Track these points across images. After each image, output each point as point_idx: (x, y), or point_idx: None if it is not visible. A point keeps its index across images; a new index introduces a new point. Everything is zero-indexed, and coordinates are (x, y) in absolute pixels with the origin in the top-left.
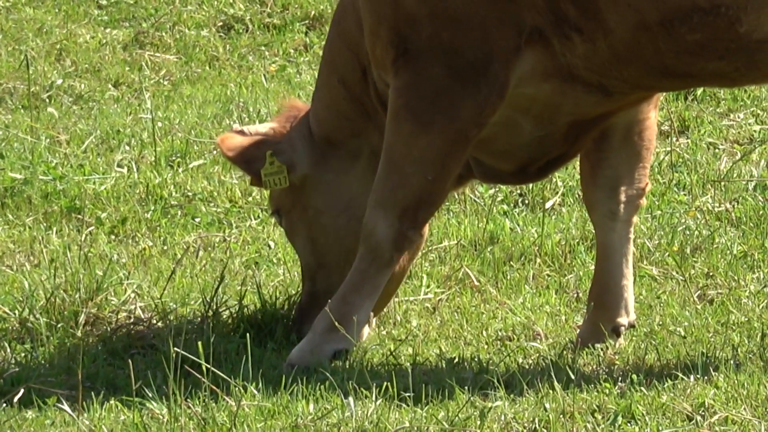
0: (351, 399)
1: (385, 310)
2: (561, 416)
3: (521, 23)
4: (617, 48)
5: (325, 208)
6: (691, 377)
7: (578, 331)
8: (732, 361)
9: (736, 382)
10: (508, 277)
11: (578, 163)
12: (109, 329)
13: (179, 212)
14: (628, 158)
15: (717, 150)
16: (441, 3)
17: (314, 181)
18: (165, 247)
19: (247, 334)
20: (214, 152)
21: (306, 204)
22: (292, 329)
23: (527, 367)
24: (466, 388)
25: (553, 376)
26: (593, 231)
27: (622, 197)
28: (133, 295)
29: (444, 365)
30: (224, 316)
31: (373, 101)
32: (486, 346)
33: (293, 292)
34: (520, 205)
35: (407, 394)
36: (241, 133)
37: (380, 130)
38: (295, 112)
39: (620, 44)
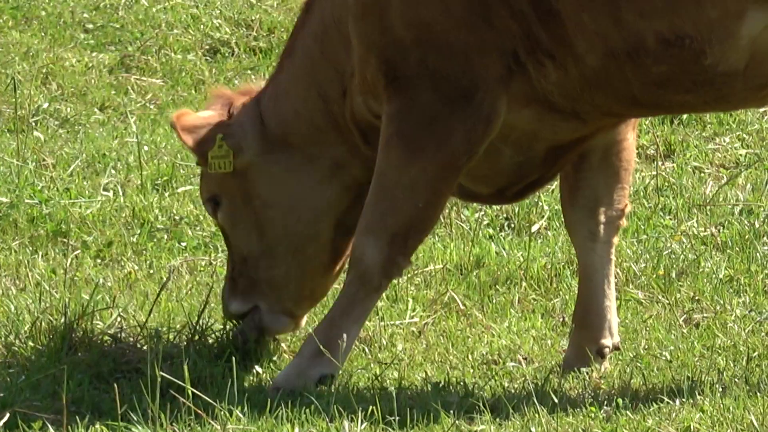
0: (346, 423)
1: (371, 333)
2: None
3: (504, 50)
4: (587, 75)
5: (271, 201)
6: (677, 401)
7: (564, 355)
8: (718, 385)
9: (721, 406)
10: (494, 301)
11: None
12: (94, 353)
13: (165, 236)
14: (607, 179)
15: (703, 174)
16: (425, 29)
17: (260, 171)
18: (151, 271)
19: (233, 358)
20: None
21: (252, 192)
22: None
23: (513, 390)
24: (452, 411)
25: (539, 401)
26: None
27: (602, 218)
28: (118, 319)
29: (430, 389)
30: (210, 340)
31: (347, 121)
32: (472, 370)
33: None
34: (506, 228)
35: (393, 418)
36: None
37: (348, 146)
38: (228, 100)
39: (590, 72)
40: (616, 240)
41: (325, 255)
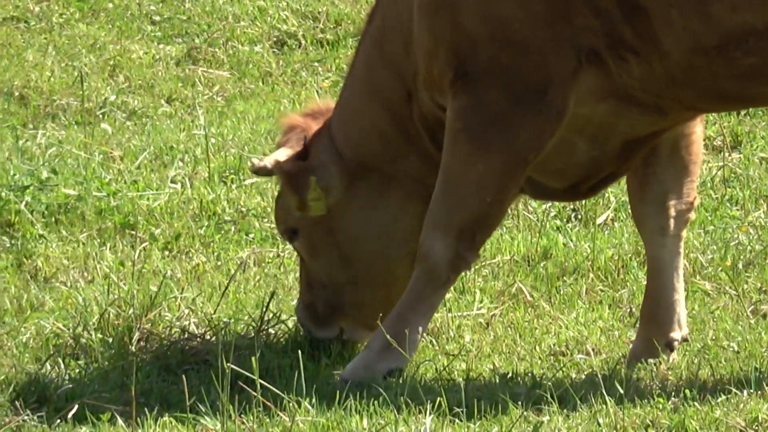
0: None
1: (438, 325)
2: (614, 431)
3: (579, 46)
4: (673, 71)
5: (359, 234)
6: (745, 392)
7: (631, 346)
8: None
9: None
10: (561, 292)
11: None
12: (162, 345)
13: (233, 228)
14: (676, 173)
15: None
16: (501, 26)
17: (344, 206)
18: (219, 263)
19: (300, 350)
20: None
21: (336, 227)
22: (307, 333)
23: (580, 382)
24: (520, 403)
25: (606, 392)
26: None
27: (672, 212)
28: (186, 311)
29: (497, 380)
30: (278, 332)
31: (416, 125)
32: (539, 361)
33: None
34: (573, 220)
35: (460, 410)
36: (264, 169)
37: (420, 154)
38: (301, 131)
39: (676, 67)
40: (684, 233)
41: (411, 270)
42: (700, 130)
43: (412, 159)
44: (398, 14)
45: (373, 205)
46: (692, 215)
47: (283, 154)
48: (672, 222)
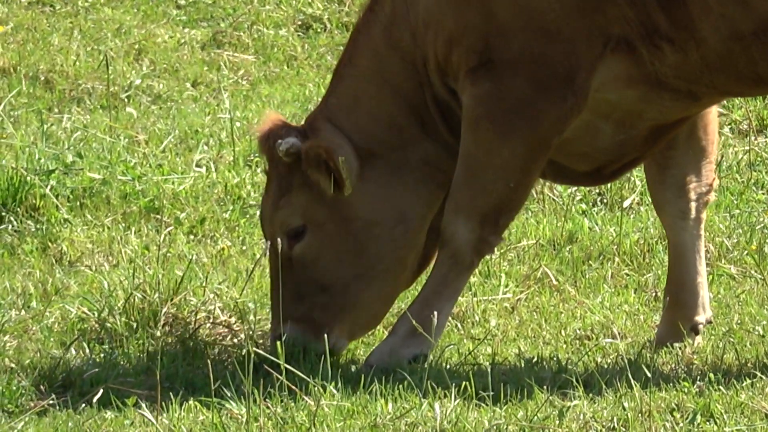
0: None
1: (464, 309)
2: (639, 415)
3: (609, 34)
4: (709, 57)
5: (375, 219)
6: None
7: (656, 330)
8: None
9: None
10: (587, 277)
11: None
12: (188, 330)
13: (258, 212)
14: (695, 155)
15: None
16: (535, 16)
17: (358, 191)
18: (244, 247)
19: (326, 334)
20: None
21: (350, 215)
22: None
23: (606, 366)
24: (545, 387)
25: (632, 376)
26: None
27: (692, 195)
28: (211, 296)
29: (523, 365)
30: None
31: (430, 110)
32: (564, 346)
33: None
34: (599, 204)
35: (486, 394)
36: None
37: (433, 139)
38: (283, 124)
39: (712, 54)
40: (704, 215)
41: (416, 262)
42: (714, 110)
43: (426, 145)
44: (406, 1)
45: (389, 190)
46: (712, 197)
47: (290, 140)
48: (693, 205)
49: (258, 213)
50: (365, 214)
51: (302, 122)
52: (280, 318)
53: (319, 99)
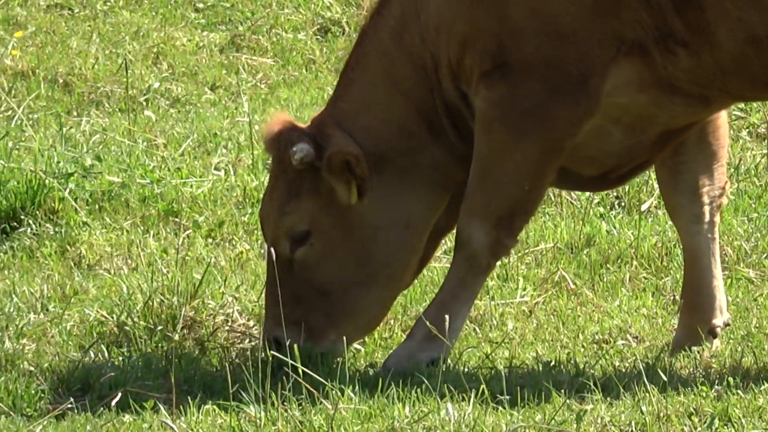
0: (449, 404)
1: (481, 313)
2: (657, 419)
3: (623, 38)
4: (723, 62)
5: (383, 225)
6: None
7: (674, 334)
8: None
9: None
10: (605, 280)
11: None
12: (206, 333)
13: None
14: (706, 159)
15: None
16: (550, 19)
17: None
18: (262, 251)
19: (344, 337)
20: None
21: (357, 222)
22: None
23: (624, 370)
24: (563, 391)
25: (650, 380)
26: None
27: (705, 199)
28: (230, 299)
29: (540, 368)
30: None
31: (439, 114)
32: (582, 349)
33: None
34: (617, 207)
35: (503, 397)
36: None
37: (441, 142)
38: (292, 127)
39: (726, 58)
40: (718, 219)
41: (416, 265)
42: (724, 113)
43: (434, 149)
44: (415, 4)
45: (397, 196)
46: (724, 200)
47: (304, 147)
48: (706, 209)
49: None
50: (373, 220)
51: (308, 123)
52: (274, 320)
53: None
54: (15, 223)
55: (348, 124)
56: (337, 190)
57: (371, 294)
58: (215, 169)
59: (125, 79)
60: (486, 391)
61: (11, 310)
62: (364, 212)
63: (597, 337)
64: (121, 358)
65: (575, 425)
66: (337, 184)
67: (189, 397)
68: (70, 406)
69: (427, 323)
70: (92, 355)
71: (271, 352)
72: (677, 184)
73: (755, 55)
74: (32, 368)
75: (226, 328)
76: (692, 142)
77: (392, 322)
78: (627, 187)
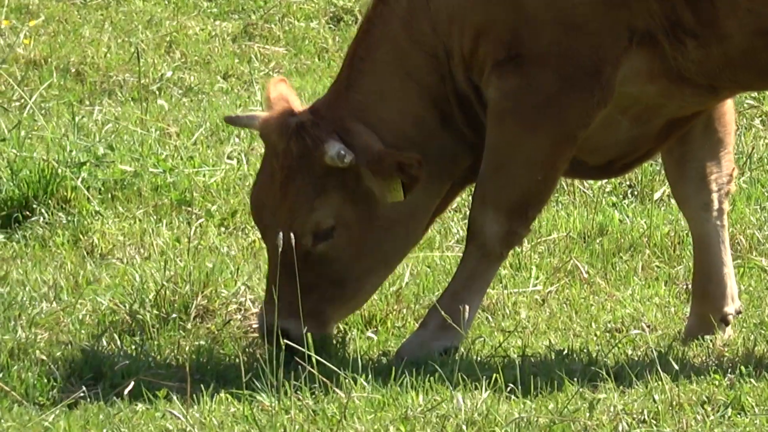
0: (459, 395)
1: (494, 302)
2: (670, 407)
3: (634, 28)
4: (732, 53)
5: (395, 216)
6: None
7: (686, 323)
8: None
9: None
10: (617, 269)
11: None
12: (218, 322)
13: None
14: (713, 147)
15: None
16: (565, 10)
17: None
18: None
19: (357, 326)
20: None
21: (374, 214)
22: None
23: (636, 358)
24: (575, 379)
25: (662, 368)
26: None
27: (713, 186)
28: (242, 288)
29: (553, 357)
30: None
31: (450, 103)
32: (595, 338)
33: (404, 283)
34: (629, 196)
35: (516, 386)
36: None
37: (450, 131)
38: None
39: (735, 49)
40: (726, 206)
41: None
42: (730, 101)
43: (443, 138)
44: None
45: None
46: (732, 187)
47: (337, 145)
48: (714, 197)
49: (251, 199)
50: (387, 211)
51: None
52: (283, 310)
53: None
54: (27, 212)
55: (366, 116)
56: (375, 188)
57: (375, 279)
58: (228, 158)
59: (138, 68)
60: (499, 380)
61: (24, 299)
62: (380, 204)
63: (609, 326)
64: (133, 347)
65: (588, 414)
66: (380, 183)
67: (202, 386)
68: (82, 394)
69: (441, 312)
70: (105, 344)
71: (284, 340)
72: (685, 173)
73: (764, 47)
74: (45, 357)
75: (239, 316)
76: (698, 130)
77: (405, 311)
78: (639, 176)
